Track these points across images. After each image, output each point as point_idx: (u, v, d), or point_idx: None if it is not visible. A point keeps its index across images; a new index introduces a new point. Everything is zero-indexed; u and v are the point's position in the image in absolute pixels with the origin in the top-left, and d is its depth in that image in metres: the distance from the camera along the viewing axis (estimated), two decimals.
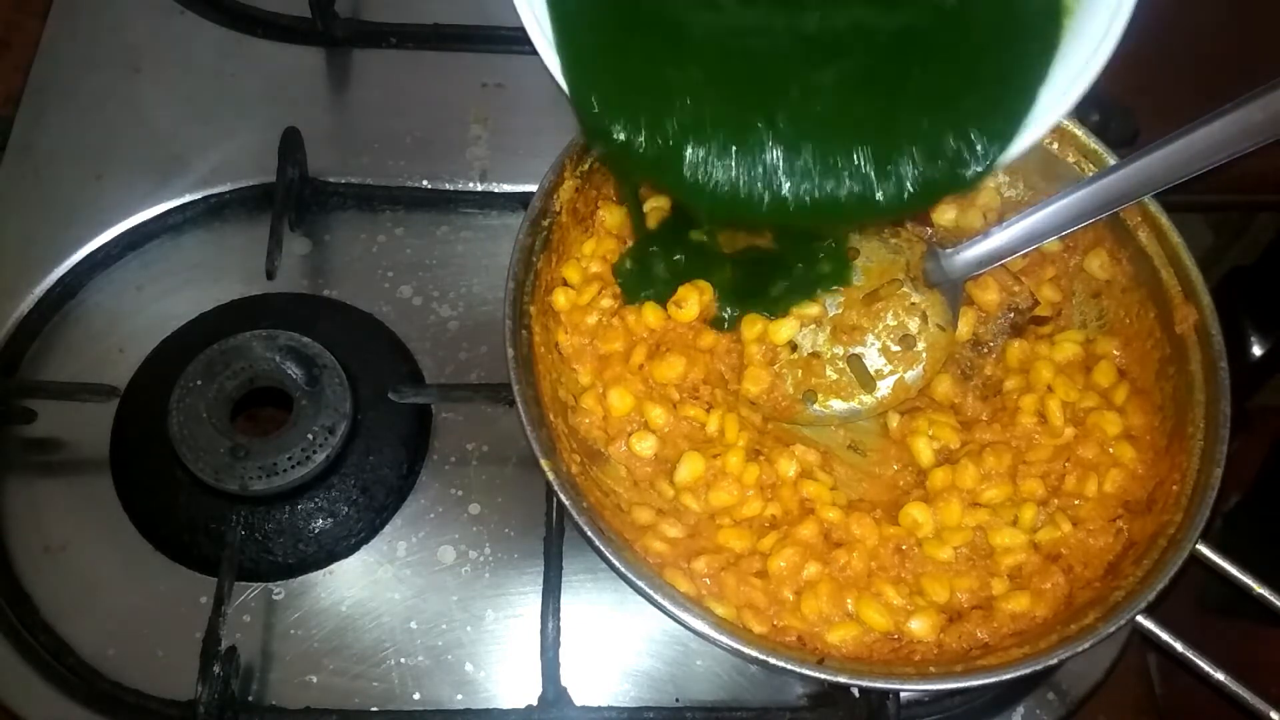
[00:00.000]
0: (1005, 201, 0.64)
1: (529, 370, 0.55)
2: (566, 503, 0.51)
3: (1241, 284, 0.88)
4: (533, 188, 0.59)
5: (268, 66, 0.81)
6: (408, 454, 0.67)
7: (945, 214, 0.63)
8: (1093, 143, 0.61)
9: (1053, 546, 0.55)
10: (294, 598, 0.64)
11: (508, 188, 0.76)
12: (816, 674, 0.49)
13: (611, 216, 0.62)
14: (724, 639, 0.49)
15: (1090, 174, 0.60)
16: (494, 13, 0.82)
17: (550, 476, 0.52)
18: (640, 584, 0.50)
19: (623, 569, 0.50)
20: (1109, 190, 0.58)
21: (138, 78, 0.80)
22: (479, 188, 0.76)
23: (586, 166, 0.60)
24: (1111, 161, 0.60)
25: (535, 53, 0.80)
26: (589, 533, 0.50)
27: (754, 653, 0.49)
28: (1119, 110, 0.69)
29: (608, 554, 0.50)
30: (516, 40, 0.82)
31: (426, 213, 0.75)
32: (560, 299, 0.59)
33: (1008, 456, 0.57)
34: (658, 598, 0.50)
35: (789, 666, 0.49)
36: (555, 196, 0.59)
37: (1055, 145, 0.61)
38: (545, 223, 0.59)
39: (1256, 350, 0.84)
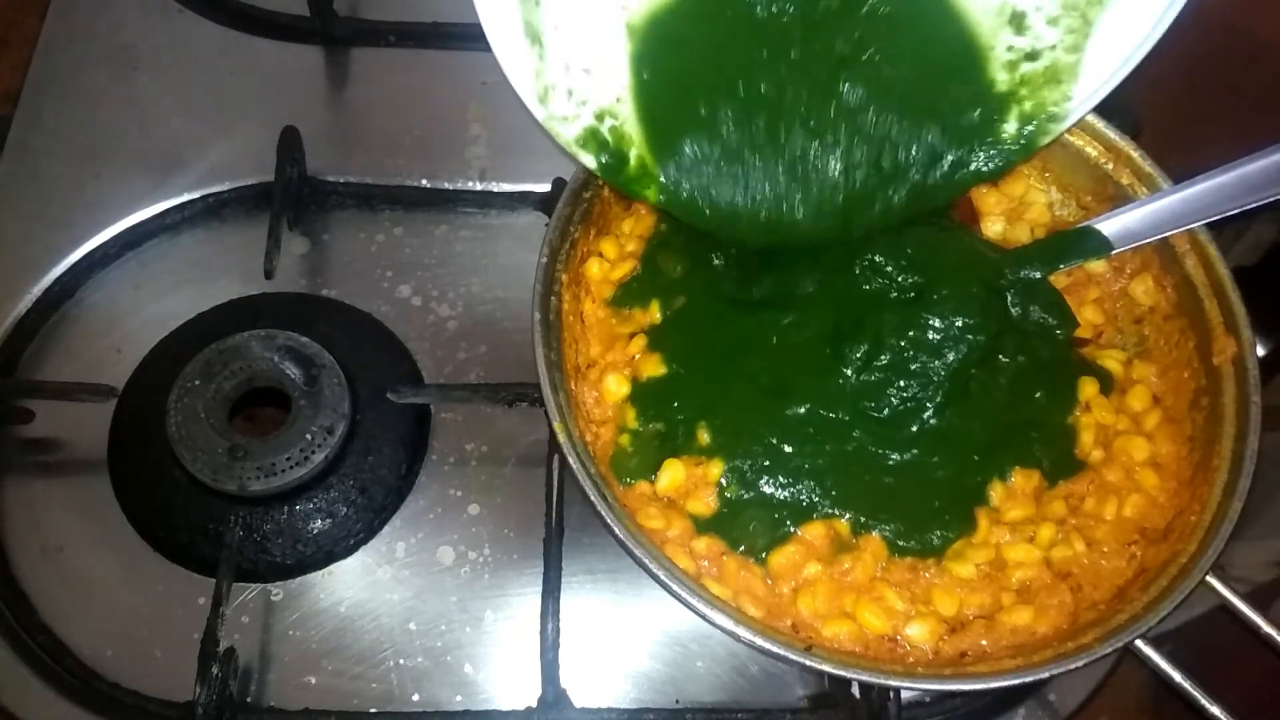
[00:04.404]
0: (1055, 219, 0.63)
1: (555, 334, 0.55)
2: (575, 467, 0.51)
3: (1243, 285, 0.87)
4: (532, 186, 0.58)
5: (266, 65, 0.80)
6: (406, 454, 0.67)
7: (993, 225, 0.63)
8: (1147, 166, 0.60)
9: (1064, 564, 0.54)
10: (292, 599, 0.63)
11: (507, 187, 0.76)
12: (803, 660, 0.49)
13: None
14: (717, 617, 0.49)
15: (1143, 196, 0.60)
16: None
17: (561, 439, 0.52)
18: (638, 553, 0.50)
19: (622, 537, 0.50)
20: (1161, 214, 0.58)
21: (135, 76, 0.80)
22: (478, 187, 0.76)
23: None
24: (1165, 185, 0.60)
25: None
26: (593, 497, 0.50)
27: (745, 633, 0.49)
28: (1120, 105, 0.68)
29: (609, 520, 0.50)
30: None
31: (425, 212, 0.75)
32: (594, 268, 0.60)
33: (1035, 476, 0.56)
34: (654, 568, 0.49)
35: (777, 649, 0.49)
36: None
37: (1110, 165, 0.61)
38: (587, 194, 0.59)
39: (1259, 351, 0.84)
